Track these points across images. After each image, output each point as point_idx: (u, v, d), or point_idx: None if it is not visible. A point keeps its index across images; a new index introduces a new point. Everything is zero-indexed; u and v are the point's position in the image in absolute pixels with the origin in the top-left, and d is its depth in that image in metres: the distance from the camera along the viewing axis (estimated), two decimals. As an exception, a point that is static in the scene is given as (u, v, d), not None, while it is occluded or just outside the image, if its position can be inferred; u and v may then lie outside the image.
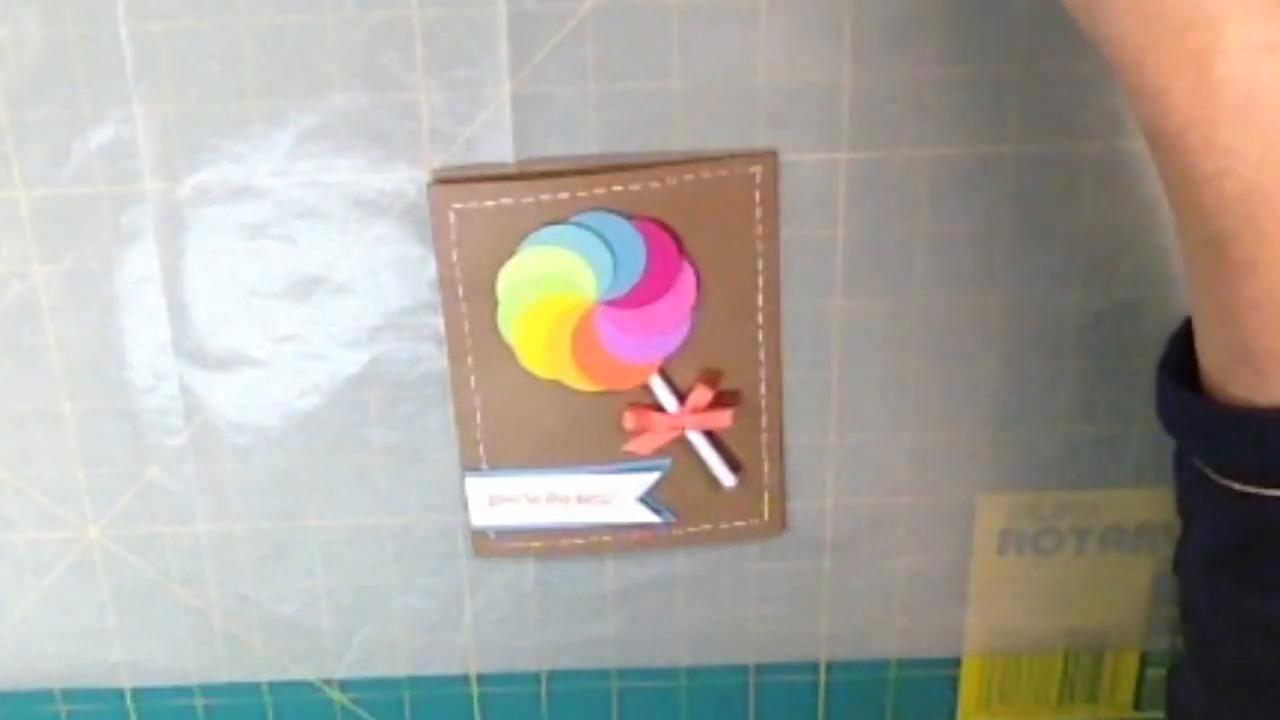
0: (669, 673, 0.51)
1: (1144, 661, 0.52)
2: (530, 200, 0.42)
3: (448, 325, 0.44)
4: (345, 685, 0.51)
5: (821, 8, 0.42)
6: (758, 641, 0.50)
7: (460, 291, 0.43)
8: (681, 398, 0.45)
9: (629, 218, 0.43)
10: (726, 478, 0.46)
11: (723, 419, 0.45)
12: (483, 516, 0.46)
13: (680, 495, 0.47)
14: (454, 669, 0.51)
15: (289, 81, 0.42)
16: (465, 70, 0.42)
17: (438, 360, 0.45)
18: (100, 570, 0.49)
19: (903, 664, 0.51)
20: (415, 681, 0.51)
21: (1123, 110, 0.43)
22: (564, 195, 0.42)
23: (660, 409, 0.45)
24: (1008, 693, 0.52)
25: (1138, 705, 0.52)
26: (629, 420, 0.45)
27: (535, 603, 0.49)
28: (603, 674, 0.51)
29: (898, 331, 0.46)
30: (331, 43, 0.42)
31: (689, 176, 0.42)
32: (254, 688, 0.51)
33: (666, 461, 0.46)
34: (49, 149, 0.43)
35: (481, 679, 0.51)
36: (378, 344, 0.46)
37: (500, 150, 0.43)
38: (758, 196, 0.43)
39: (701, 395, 0.45)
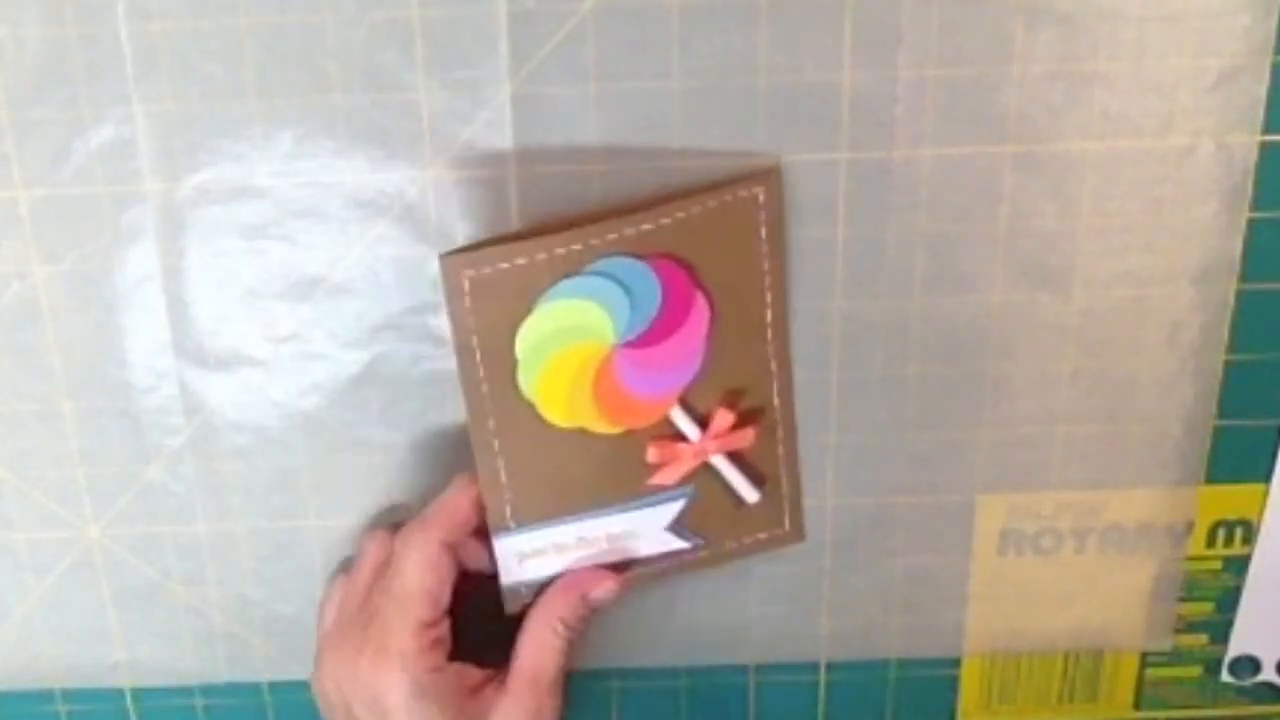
0: (669, 673, 0.51)
1: (1144, 661, 0.52)
2: (544, 256, 0.41)
3: (466, 388, 0.42)
4: (345, 685, 0.51)
5: (821, 8, 0.42)
6: (758, 641, 0.50)
7: (478, 356, 0.42)
8: (702, 423, 0.44)
9: (642, 257, 0.42)
10: (750, 494, 0.46)
11: (745, 438, 0.45)
12: (513, 574, 0.45)
13: (706, 518, 0.46)
14: (454, 669, 0.51)
15: (289, 81, 0.42)
16: (465, 70, 0.42)
17: (438, 360, 0.45)
18: (100, 570, 0.49)
19: (903, 664, 0.51)
20: (415, 681, 0.51)
21: (1122, 110, 0.43)
22: (577, 247, 0.41)
23: (683, 438, 0.44)
24: (1008, 693, 0.52)
25: (1138, 705, 0.52)
26: (653, 454, 0.44)
27: (535, 603, 0.49)
28: (603, 674, 0.51)
29: (898, 331, 0.46)
30: (331, 43, 0.42)
31: (696, 208, 0.41)
32: (254, 688, 0.51)
33: (691, 488, 0.45)
34: (49, 149, 0.43)
35: (481, 679, 0.51)
36: (378, 344, 0.46)
37: (500, 150, 0.43)
38: (763, 216, 0.42)
39: (724, 419, 0.44)
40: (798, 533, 0.48)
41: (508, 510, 0.44)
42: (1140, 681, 0.52)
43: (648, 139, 0.43)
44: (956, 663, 0.51)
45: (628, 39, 0.42)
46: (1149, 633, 0.51)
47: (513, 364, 0.42)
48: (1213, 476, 0.48)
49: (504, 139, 0.43)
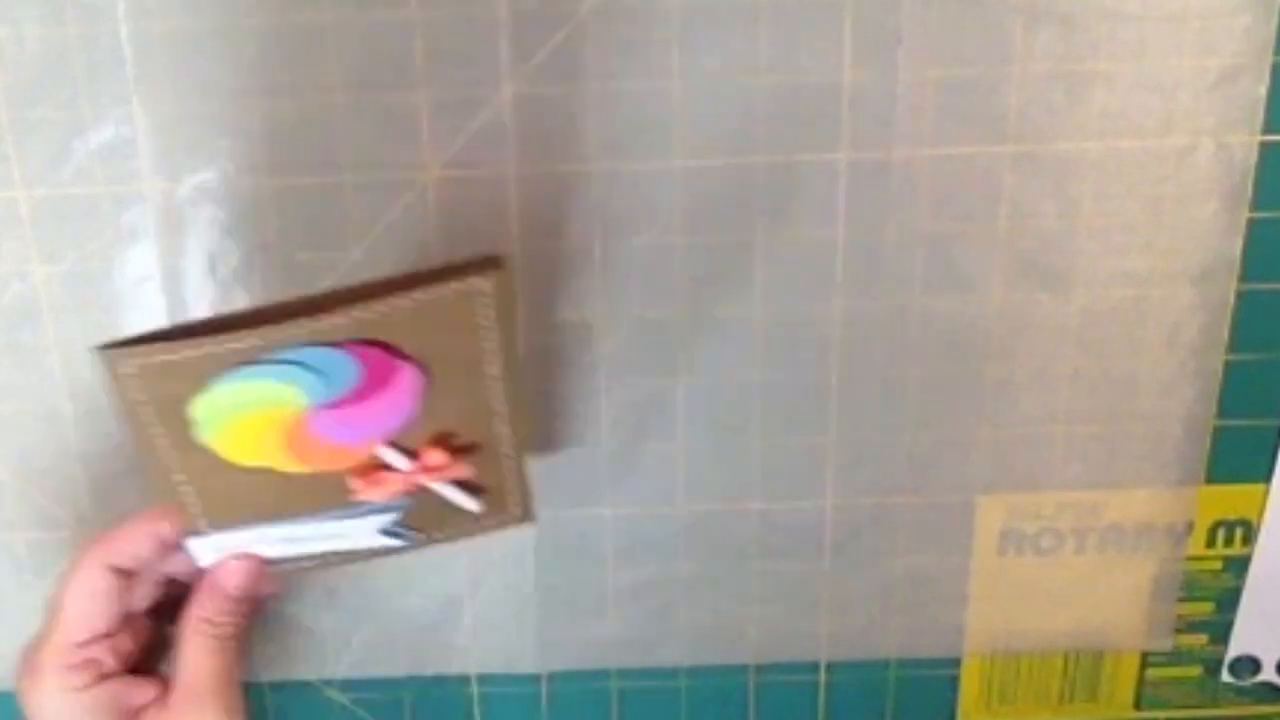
0: (669, 673, 0.51)
1: (1144, 661, 0.52)
2: (215, 350, 0.36)
3: (139, 453, 0.38)
4: (345, 685, 0.51)
5: (821, 8, 0.42)
6: (758, 641, 0.50)
7: (149, 430, 0.38)
8: (412, 456, 0.41)
9: (333, 345, 0.37)
10: (470, 504, 0.43)
11: (461, 470, 0.42)
12: (210, 560, 0.42)
13: (424, 520, 0.43)
14: (454, 669, 0.51)
15: (289, 81, 0.42)
16: (465, 70, 0.42)
17: (437, 360, 0.45)
18: (100, 570, 0.48)
19: (903, 664, 0.51)
20: (415, 681, 0.51)
21: (1122, 110, 0.43)
22: (257, 342, 0.36)
23: (390, 468, 0.41)
24: (1008, 693, 0.52)
25: (1138, 705, 0.52)
26: (354, 483, 0.41)
27: (535, 603, 0.49)
28: (603, 674, 0.51)
29: (898, 331, 0.46)
30: (332, 43, 0.42)
31: (405, 303, 0.37)
32: (254, 688, 0.51)
33: (406, 501, 0.42)
34: (49, 149, 0.43)
35: (481, 679, 0.51)
36: (378, 344, 0.45)
37: (500, 150, 0.43)
38: (488, 303, 0.38)
39: (435, 457, 0.41)
40: (527, 515, 0.44)
41: (204, 522, 0.41)
42: (1140, 681, 0.52)
43: (648, 139, 0.43)
44: (956, 663, 0.51)
45: (628, 39, 0.42)
46: (1149, 633, 0.51)
47: (188, 422, 0.38)
48: (1213, 476, 0.48)
49: (504, 139, 0.43)
